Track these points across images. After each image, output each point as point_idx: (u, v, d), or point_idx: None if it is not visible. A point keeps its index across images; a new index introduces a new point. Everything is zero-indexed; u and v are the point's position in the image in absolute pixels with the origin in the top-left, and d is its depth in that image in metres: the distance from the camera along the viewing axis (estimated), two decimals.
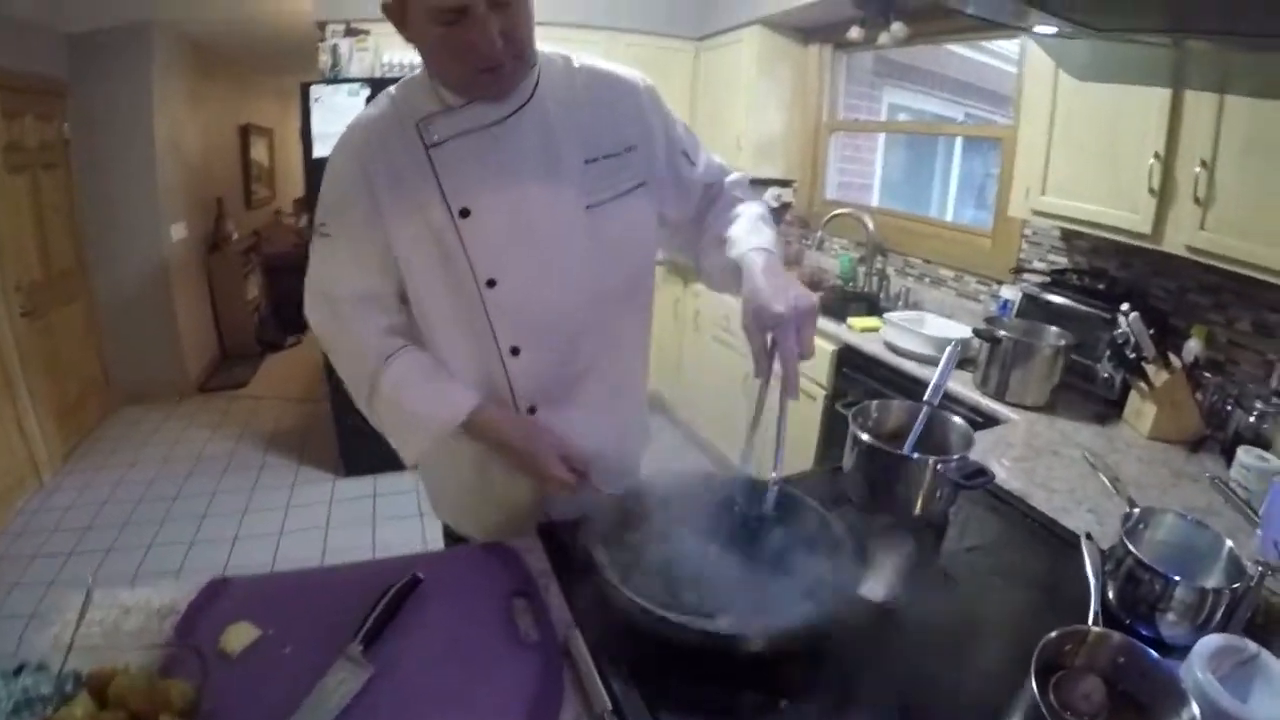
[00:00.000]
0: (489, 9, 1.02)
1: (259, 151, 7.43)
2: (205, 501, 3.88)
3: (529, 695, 0.94)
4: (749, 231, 1.29)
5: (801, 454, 3.24)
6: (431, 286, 1.25)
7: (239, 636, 1.01)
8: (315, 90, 3.61)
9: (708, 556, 1.15)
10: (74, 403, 4.50)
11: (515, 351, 1.27)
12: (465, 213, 1.19)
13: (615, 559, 1.08)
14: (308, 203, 3.91)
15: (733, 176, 1.47)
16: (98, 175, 4.76)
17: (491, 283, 1.22)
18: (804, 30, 4.28)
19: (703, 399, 4.40)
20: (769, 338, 1.12)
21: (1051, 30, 1.52)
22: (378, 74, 3.94)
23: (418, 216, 1.20)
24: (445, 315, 1.27)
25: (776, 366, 1.12)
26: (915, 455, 1.40)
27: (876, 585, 0.96)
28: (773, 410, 1.12)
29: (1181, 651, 0.98)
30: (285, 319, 6.69)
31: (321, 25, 4.08)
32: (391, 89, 1.26)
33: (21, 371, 3.91)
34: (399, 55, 3.94)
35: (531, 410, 1.33)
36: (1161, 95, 1.97)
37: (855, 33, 3.62)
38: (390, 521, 3.73)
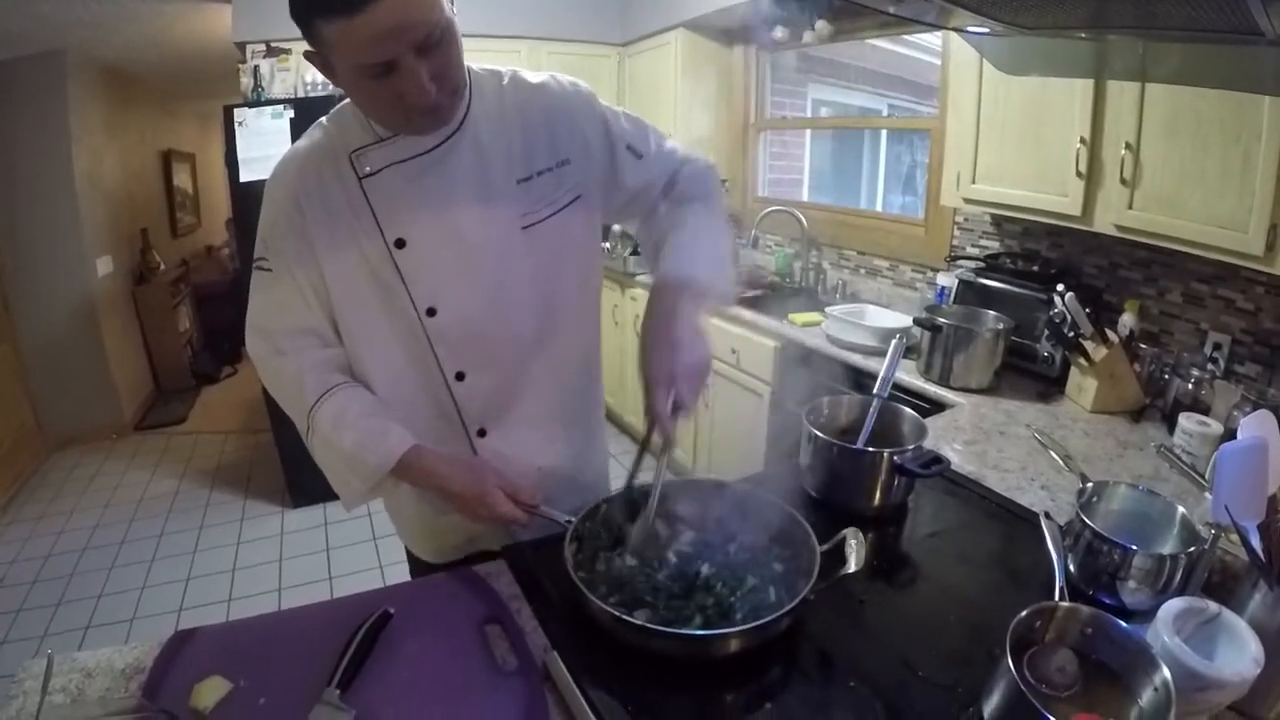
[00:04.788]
0: (417, 58, 0.99)
1: (182, 178, 7.23)
2: (153, 545, 3.76)
3: None
4: (677, 249, 1.28)
5: (751, 454, 3.27)
6: (370, 317, 1.24)
7: (210, 692, 0.96)
8: (239, 113, 3.53)
9: (671, 562, 1.17)
10: (6, 451, 4.33)
11: (460, 376, 1.27)
12: (401, 243, 1.18)
13: (589, 578, 1.08)
14: (237, 225, 3.83)
15: (691, 167, 1.43)
16: (16, 212, 4.60)
17: (431, 311, 1.22)
18: (728, 32, 4.32)
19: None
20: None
21: (977, 29, 1.56)
22: (301, 94, 3.87)
23: (353, 248, 1.19)
24: (388, 345, 1.26)
25: None
26: (870, 449, 1.42)
27: (852, 560, 0.98)
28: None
29: (1145, 616, 1.01)
30: (219, 350, 6.54)
31: (241, 46, 4.00)
32: (324, 119, 1.24)
33: None
34: (322, 75, 3.84)
35: (481, 433, 1.32)
36: (1085, 82, 2.03)
37: (780, 32, 3.67)
38: (344, 549, 3.66)
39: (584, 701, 0.93)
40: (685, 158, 1.43)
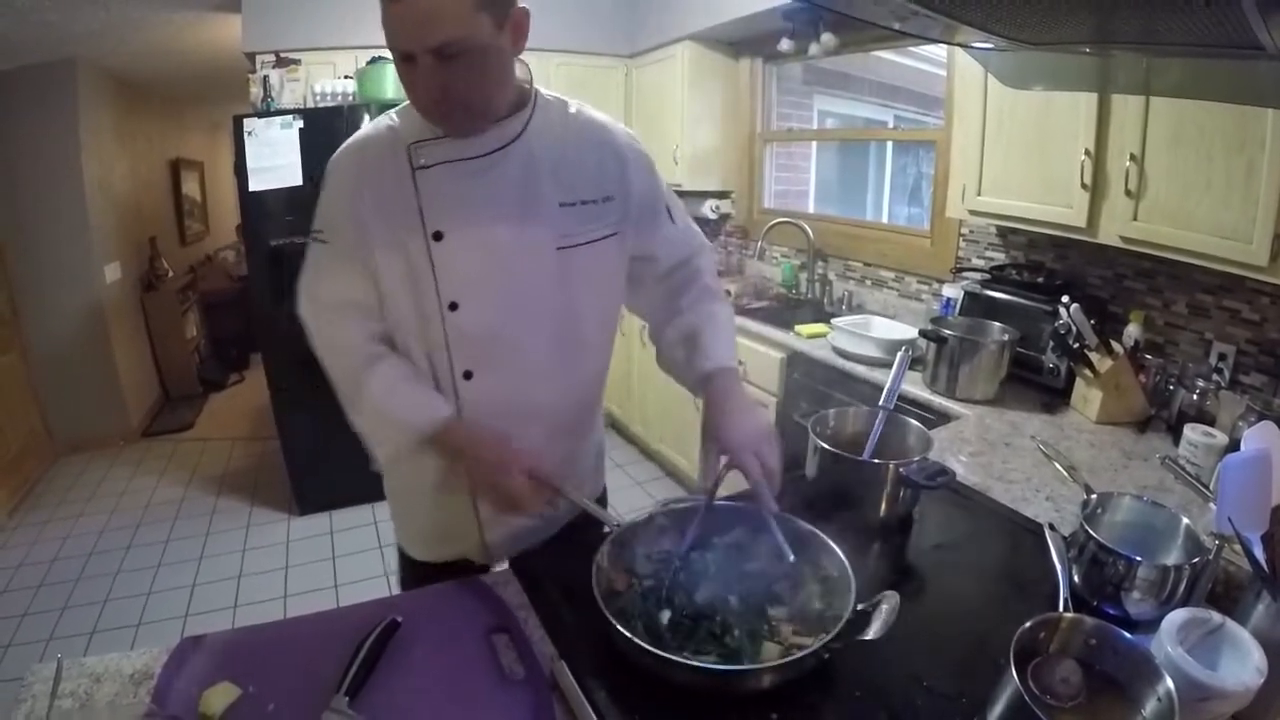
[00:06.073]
0: (435, 61, 1.07)
1: (190, 186, 7.27)
2: (159, 550, 3.77)
3: None
4: (716, 342, 1.39)
5: None
6: (398, 302, 1.29)
7: (220, 698, 0.97)
8: (248, 123, 3.55)
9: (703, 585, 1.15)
10: (14, 457, 4.34)
11: (468, 375, 1.31)
12: (439, 235, 1.24)
13: (612, 604, 1.06)
14: (245, 234, 3.86)
15: (706, 257, 1.53)
16: (26, 219, 4.62)
17: (454, 305, 1.26)
18: (734, 44, 4.33)
19: (653, 413, 4.42)
20: (722, 460, 1.21)
21: (981, 45, 1.57)
22: (310, 104, 3.88)
23: (396, 234, 1.25)
24: (408, 331, 1.31)
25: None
26: (876, 460, 1.43)
27: (874, 627, 0.97)
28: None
29: (1150, 626, 1.01)
30: (226, 356, 6.55)
31: (251, 56, 4.02)
32: (392, 111, 1.31)
33: None
34: (331, 85, 3.89)
35: None
36: (1089, 95, 2.04)
37: (786, 45, 3.68)
38: (350, 557, 3.66)
39: (591, 711, 0.94)
40: (702, 243, 1.54)
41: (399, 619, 1.12)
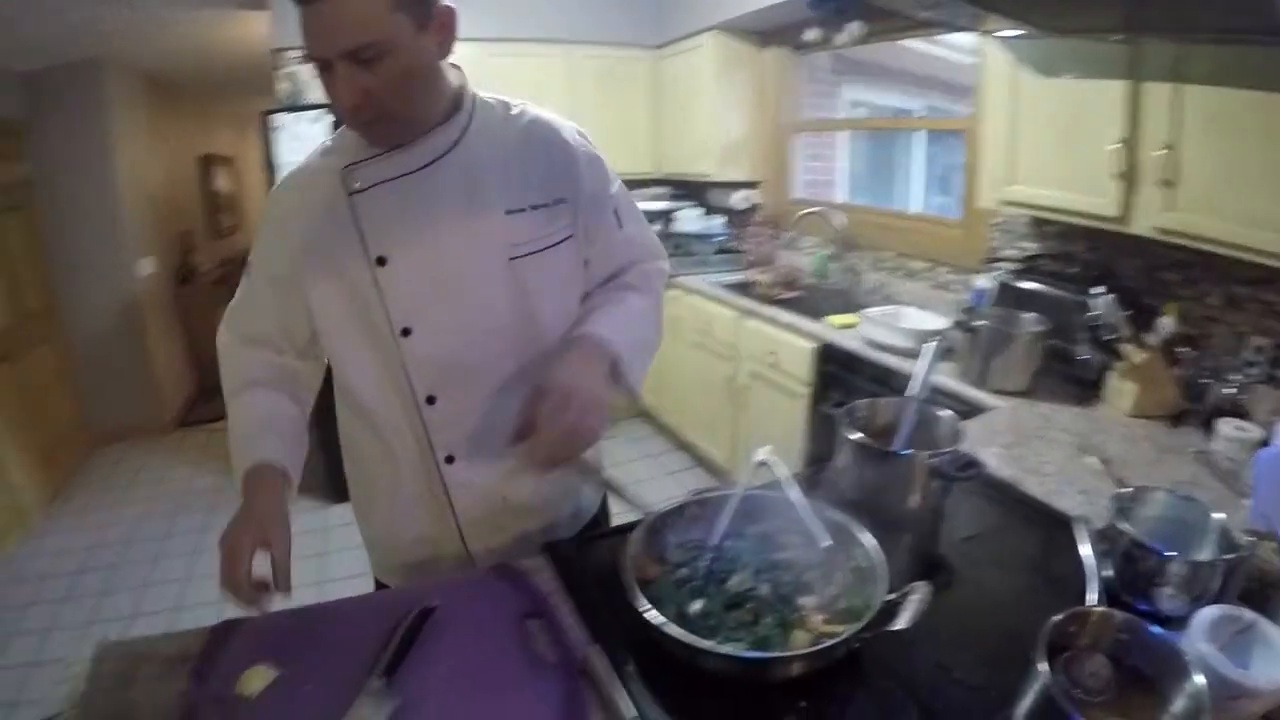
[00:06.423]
0: (353, 66, 1.03)
1: (221, 181, 7.38)
2: (195, 538, 3.84)
3: (555, 716, 0.95)
4: (604, 317, 1.32)
5: (788, 455, 3.27)
6: (348, 334, 1.27)
7: (257, 679, 1.00)
8: (276, 119, 3.60)
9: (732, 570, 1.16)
10: (53, 446, 4.44)
11: (431, 400, 1.27)
12: (382, 260, 1.20)
13: (644, 592, 1.06)
14: None
15: (646, 266, 1.47)
16: (61, 214, 4.71)
17: (406, 331, 1.23)
18: (761, 34, 4.32)
19: (686, 403, 4.42)
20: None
21: (1010, 33, 1.56)
22: None
23: (338, 264, 1.22)
24: (363, 362, 1.28)
25: None
26: (907, 451, 1.42)
27: (904, 617, 0.97)
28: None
29: (1180, 623, 1.00)
30: None
31: (278, 52, 4.06)
32: (328, 138, 1.29)
33: None
34: None
35: (449, 459, 1.32)
36: (1121, 82, 2.01)
37: (812, 34, 3.67)
38: None
39: (626, 694, 0.96)
40: (648, 254, 1.48)
41: (435, 603, 1.14)
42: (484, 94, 1.28)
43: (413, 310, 1.22)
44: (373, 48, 1.02)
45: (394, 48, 1.04)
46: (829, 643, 0.97)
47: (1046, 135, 2.33)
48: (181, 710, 0.97)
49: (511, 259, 1.23)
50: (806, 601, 1.10)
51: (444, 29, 1.12)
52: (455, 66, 1.23)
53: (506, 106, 1.29)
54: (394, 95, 1.08)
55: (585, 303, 1.39)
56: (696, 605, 1.08)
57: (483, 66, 4.15)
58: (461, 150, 1.21)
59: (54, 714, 0.91)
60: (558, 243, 1.28)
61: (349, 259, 1.21)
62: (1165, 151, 1.92)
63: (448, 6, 1.11)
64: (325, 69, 1.05)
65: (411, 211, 1.19)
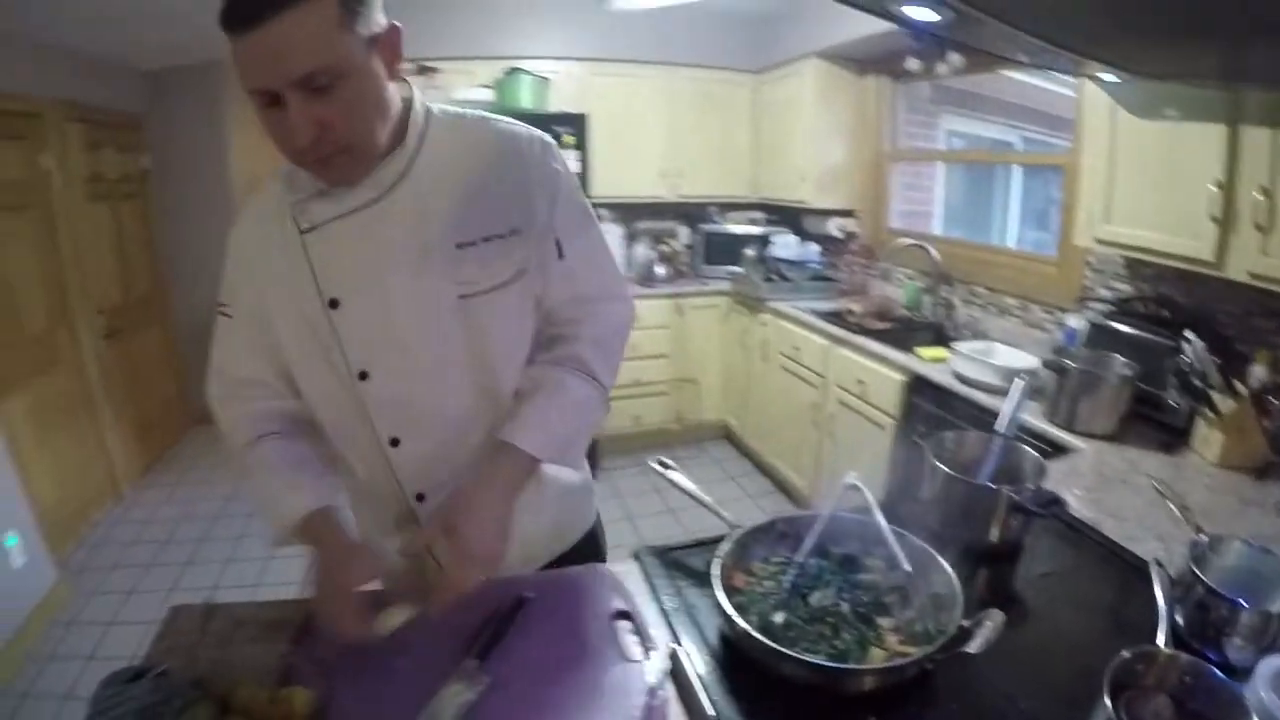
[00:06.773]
0: (304, 97, 0.96)
1: None
2: None
3: (637, 709, 1.02)
4: (533, 415, 1.21)
5: (872, 485, 3.29)
6: (312, 375, 1.22)
7: (394, 617, 1.06)
8: None
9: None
10: (152, 421, 4.75)
11: (395, 442, 1.23)
12: (335, 303, 1.14)
13: (730, 599, 1.14)
14: None
15: (604, 308, 1.32)
16: (175, 205, 5.07)
17: (364, 375, 1.18)
18: (861, 61, 4.36)
19: (770, 427, 4.46)
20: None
21: (1109, 78, 1.60)
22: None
23: (296, 303, 1.16)
24: (328, 403, 1.24)
25: None
26: (991, 485, 1.47)
27: (976, 642, 1.02)
28: None
29: (1246, 674, 1.03)
30: None
31: None
32: (280, 169, 1.19)
33: (104, 390, 4.17)
34: (471, 93, 4.06)
35: (420, 498, 1.29)
36: (1219, 125, 2.01)
37: (913, 64, 3.69)
38: None
39: (704, 695, 1.03)
40: (603, 292, 1.32)
41: (529, 594, 1.23)
42: (438, 106, 1.21)
43: (368, 354, 1.17)
44: (326, 72, 0.95)
45: (348, 70, 0.97)
46: (903, 660, 1.04)
47: (1143, 175, 2.32)
48: (281, 669, 1.07)
49: (461, 297, 1.16)
50: (884, 622, 1.16)
51: (391, 47, 1.05)
52: (404, 81, 1.16)
53: (462, 119, 1.21)
54: (353, 124, 1.01)
55: (524, 377, 1.27)
56: (779, 616, 1.15)
57: (584, 85, 4.33)
58: (411, 180, 1.13)
59: (154, 665, 0.98)
60: (508, 281, 1.19)
61: (305, 299, 1.15)
62: (1261, 196, 1.91)
63: (394, 25, 1.05)
64: (271, 104, 0.97)
65: (361, 251, 1.13)
